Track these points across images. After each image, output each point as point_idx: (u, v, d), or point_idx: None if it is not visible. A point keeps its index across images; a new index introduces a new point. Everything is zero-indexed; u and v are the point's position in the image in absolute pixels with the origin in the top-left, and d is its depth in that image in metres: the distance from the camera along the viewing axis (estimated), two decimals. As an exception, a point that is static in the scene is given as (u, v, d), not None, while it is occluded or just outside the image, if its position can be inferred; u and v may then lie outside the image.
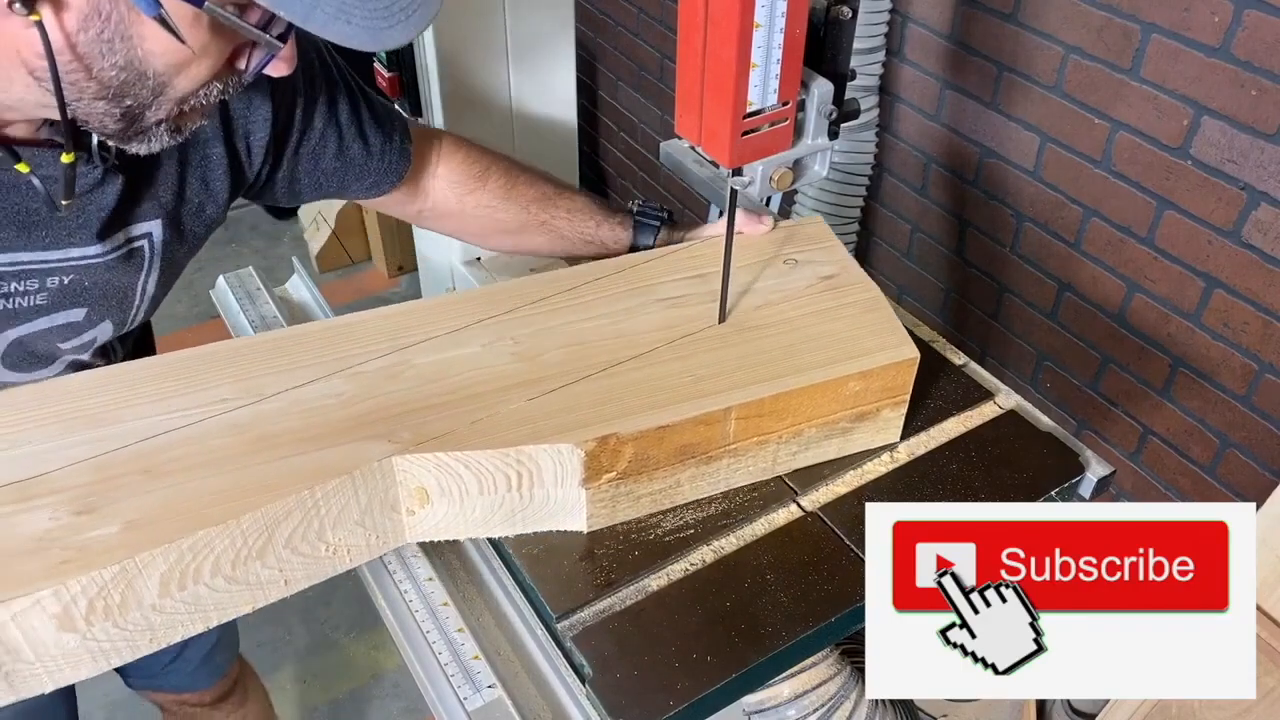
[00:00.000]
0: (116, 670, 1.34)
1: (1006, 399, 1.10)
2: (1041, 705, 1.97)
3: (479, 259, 1.47)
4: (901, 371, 0.96)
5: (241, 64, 0.77)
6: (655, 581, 0.90)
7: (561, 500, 0.88)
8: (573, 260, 1.17)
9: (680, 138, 0.95)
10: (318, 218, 3.00)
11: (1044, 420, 1.08)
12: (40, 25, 0.67)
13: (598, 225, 1.15)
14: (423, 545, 1.14)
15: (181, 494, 0.77)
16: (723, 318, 0.98)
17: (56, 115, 0.72)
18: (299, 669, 2.10)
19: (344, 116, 1.03)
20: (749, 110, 0.87)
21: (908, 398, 0.99)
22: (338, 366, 0.90)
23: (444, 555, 1.15)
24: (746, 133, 0.88)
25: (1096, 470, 1.03)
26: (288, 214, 3.17)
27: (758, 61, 0.83)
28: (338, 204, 2.90)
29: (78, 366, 0.95)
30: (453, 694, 0.91)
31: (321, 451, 0.82)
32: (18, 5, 0.65)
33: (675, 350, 0.95)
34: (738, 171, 0.94)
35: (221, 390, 0.87)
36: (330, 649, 2.16)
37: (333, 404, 0.87)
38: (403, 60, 1.34)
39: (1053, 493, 1.00)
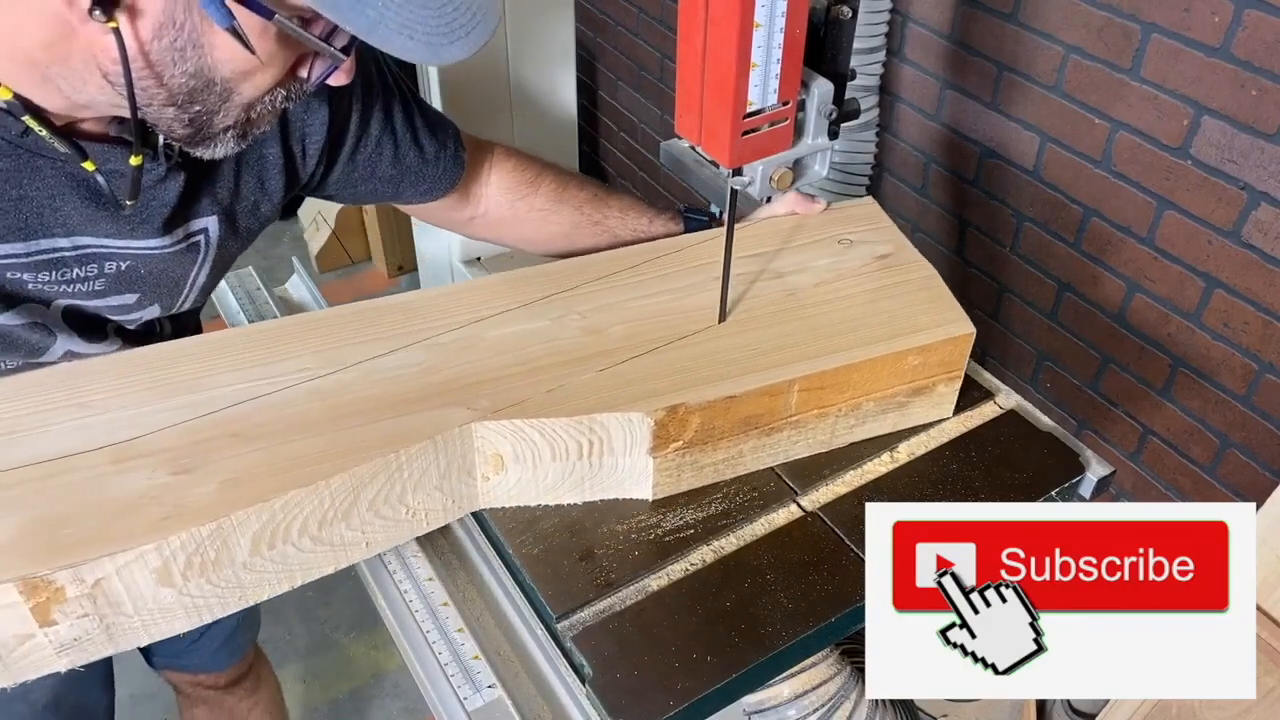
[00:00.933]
0: (140, 649, 1.37)
1: (1006, 399, 1.10)
2: (1041, 705, 1.97)
3: (479, 259, 1.47)
4: (958, 346, 0.99)
5: (304, 73, 0.80)
6: (655, 581, 0.90)
7: (629, 468, 0.92)
8: None
9: (680, 137, 0.95)
10: (317, 218, 3.00)
11: (1044, 420, 1.08)
12: (117, 32, 0.69)
13: (650, 222, 1.17)
14: (423, 545, 1.14)
15: (271, 457, 0.81)
16: (723, 317, 0.98)
17: (127, 114, 0.75)
18: (299, 669, 2.10)
19: (399, 123, 1.06)
20: (749, 110, 0.87)
21: (962, 373, 1.03)
22: (415, 338, 0.94)
23: (444, 555, 1.15)
24: (746, 132, 0.88)
25: (1096, 470, 1.03)
26: (288, 214, 3.17)
27: (758, 61, 0.83)
28: (337, 204, 2.90)
29: (124, 334, 0.98)
30: (453, 694, 0.91)
31: (404, 418, 0.85)
32: (97, 12, 0.68)
33: (737, 325, 0.99)
34: (738, 171, 0.94)
35: (303, 360, 0.91)
36: (330, 649, 2.16)
37: (412, 373, 0.90)
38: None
39: (1053, 493, 1.00)
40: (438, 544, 1.14)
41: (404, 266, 2.96)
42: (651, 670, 0.83)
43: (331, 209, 2.90)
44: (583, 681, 0.83)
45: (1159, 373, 1.67)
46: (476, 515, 0.94)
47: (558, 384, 0.90)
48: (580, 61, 2.48)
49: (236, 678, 1.52)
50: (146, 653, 1.40)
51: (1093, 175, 1.64)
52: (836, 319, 1.00)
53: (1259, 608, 1.30)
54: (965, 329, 0.99)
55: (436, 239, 1.52)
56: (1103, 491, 1.05)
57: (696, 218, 1.16)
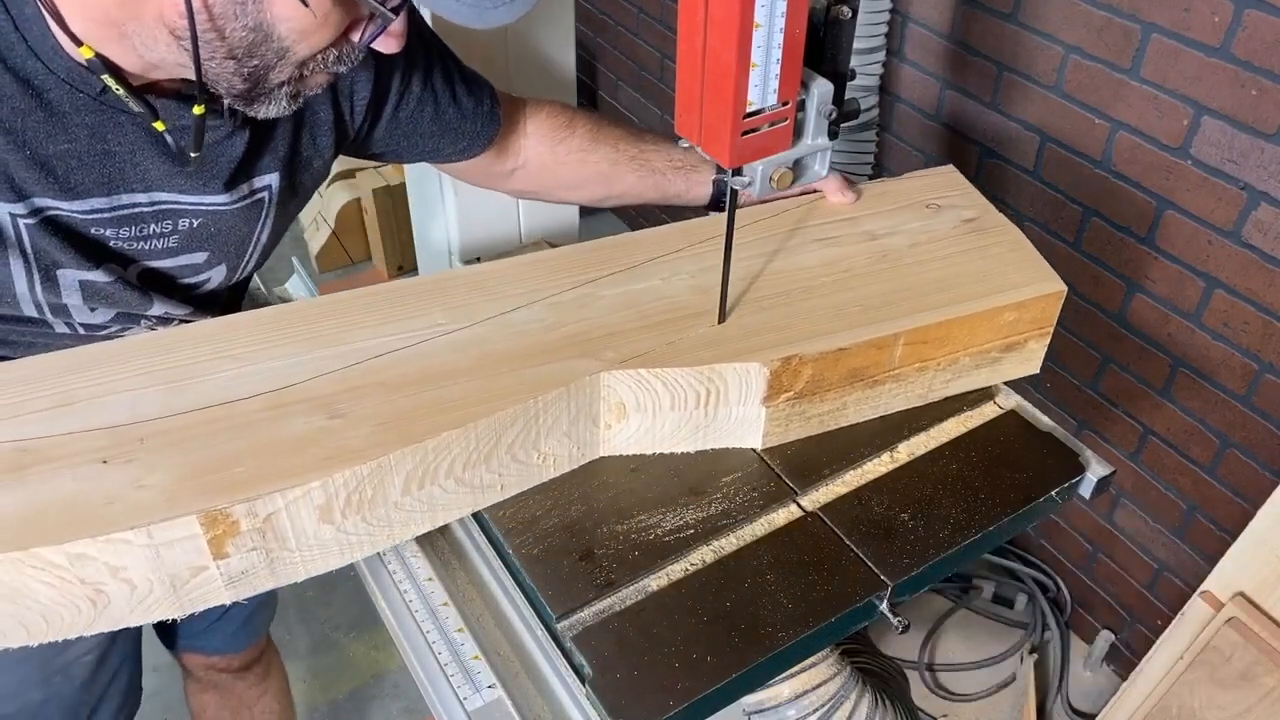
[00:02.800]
0: (160, 636, 1.39)
1: (1006, 399, 1.10)
2: (1041, 705, 1.97)
3: (479, 259, 1.47)
4: (1050, 304, 1.06)
5: (355, 36, 0.84)
6: (655, 581, 0.90)
7: (742, 417, 0.97)
8: (651, 203, 1.24)
9: (680, 137, 0.95)
10: (317, 218, 3.00)
11: (1044, 420, 1.08)
12: None
13: (684, 154, 1.19)
14: (422, 545, 1.14)
15: (419, 402, 0.86)
16: (722, 317, 0.98)
17: (192, 75, 0.80)
18: (299, 669, 2.10)
19: (439, 82, 1.10)
20: (749, 110, 0.86)
21: (1052, 329, 1.09)
22: (536, 296, 0.99)
23: (444, 555, 1.14)
24: (746, 132, 0.88)
25: (1096, 470, 1.03)
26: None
27: (757, 61, 0.83)
28: (337, 204, 2.90)
29: (192, 300, 1.04)
30: (453, 694, 0.91)
31: (537, 368, 0.90)
32: None
33: (841, 284, 1.03)
34: (738, 171, 0.94)
35: (435, 316, 0.96)
36: (330, 649, 2.16)
37: (538, 328, 0.95)
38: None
39: (1053, 493, 1.00)
40: (437, 544, 1.14)
41: (404, 266, 2.96)
42: (651, 670, 0.83)
43: (331, 209, 2.90)
44: (583, 681, 0.83)
45: (1159, 373, 1.67)
46: (476, 516, 0.94)
47: (676, 336, 0.95)
48: (580, 61, 2.48)
49: (249, 662, 1.54)
50: (166, 634, 1.44)
51: (1093, 175, 1.64)
52: (934, 277, 1.05)
53: (1259, 607, 1.30)
54: (1057, 287, 1.05)
55: (436, 240, 1.52)
56: (1102, 491, 1.05)
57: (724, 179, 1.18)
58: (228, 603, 0.80)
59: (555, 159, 1.21)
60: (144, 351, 0.90)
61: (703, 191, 1.21)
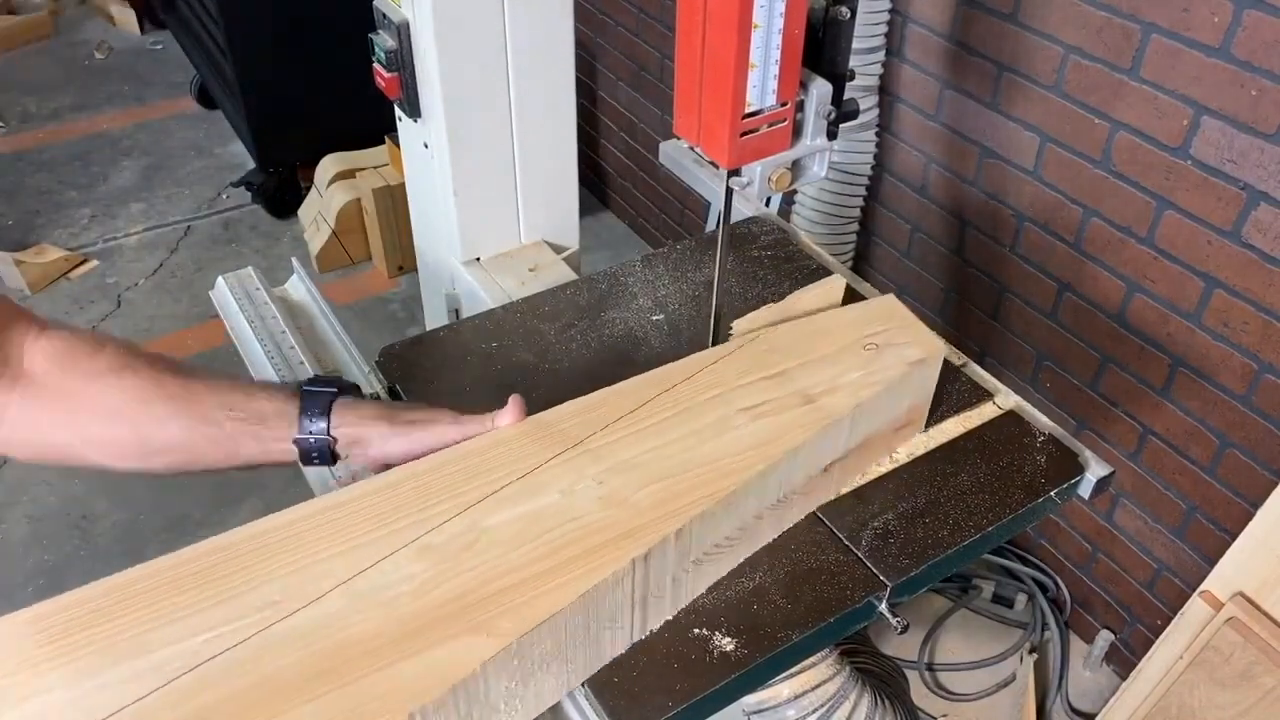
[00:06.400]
0: None
1: (1006, 399, 1.10)
2: (1041, 705, 1.97)
3: (478, 259, 1.47)
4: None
5: None
6: (654, 582, 0.89)
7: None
8: (219, 469, 0.90)
9: (679, 138, 0.95)
10: (318, 218, 3.00)
11: (1044, 420, 1.08)
12: None
13: (248, 395, 0.90)
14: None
15: None
16: (714, 340, 0.97)
17: None
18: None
19: None
20: (747, 111, 0.87)
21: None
22: (400, 540, 0.77)
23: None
24: (745, 133, 0.88)
25: (1096, 470, 1.03)
26: (288, 213, 3.17)
27: (756, 62, 0.83)
28: (337, 204, 2.90)
29: None
30: (452, 695, 0.90)
31: (411, 660, 0.68)
32: None
33: (771, 474, 0.87)
34: (736, 172, 0.94)
35: (267, 590, 0.72)
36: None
37: (407, 592, 0.73)
38: (403, 60, 1.34)
39: (1053, 493, 1.00)
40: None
41: (404, 266, 2.96)
42: (651, 670, 0.83)
43: (331, 209, 2.90)
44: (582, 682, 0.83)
45: (1159, 373, 1.67)
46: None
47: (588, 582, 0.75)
48: (580, 61, 2.48)
49: None
50: None
51: (1093, 175, 1.64)
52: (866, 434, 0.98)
53: (1259, 607, 1.30)
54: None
55: (436, 240, 1.52)
56: (1102, 491, 1.05)
57: (322, 390, 0.90)
58: None
59: (69, 386, 0.86)
60: None
61: (281, 449, 0.88)
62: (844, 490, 1.00)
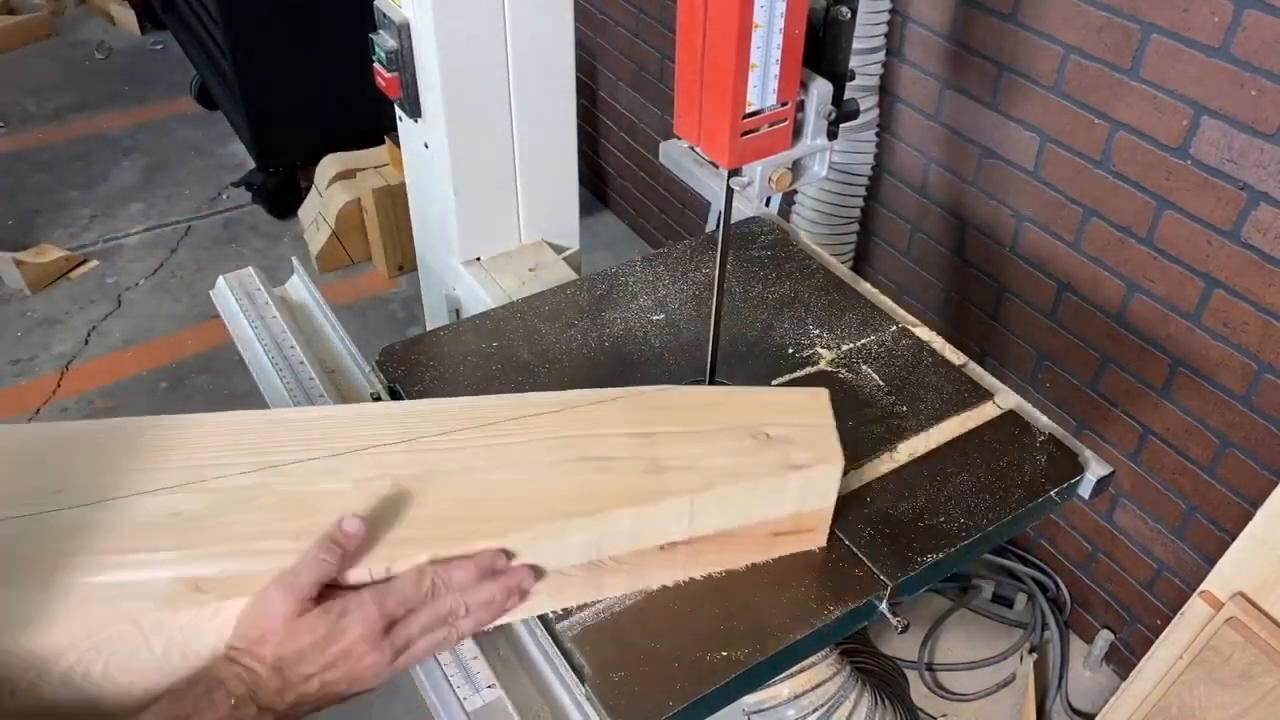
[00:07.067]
0: None
1: (1006, 399, 1.10)
2: (1041, 705, 1.97)
3: (478, 259, 1.47)
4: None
5: None
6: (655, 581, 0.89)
7: None
8: None
9: (679, 138, 0.95)
10: (318, 218, 3.00)
11: (1044, 420, 1.08)
12: None
13: None
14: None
15: None
16: (711, 377, 0.95)
17: None
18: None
19: None
20: (748, 110, 0.87)
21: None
22: (190, 477, 0.82)
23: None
24: (745, 133, 0.88)
25: (1096, 470, 1.03)
26: (288, 213, 3.17)
27: (757, 62, 0.83)
28: (337, 204, 2.90)
29: None
30: (452, 694, 0.90)
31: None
32: None
33: (575, 533, 0.82)
34: (736, 172, 0.94)
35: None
36: (330, 649, 2.16)
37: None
38: (403, 60, 1.34)
39: (1052, 493, 1.00)
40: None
41: (404, 266, 2.96)
42: (651, 670, 0.83)
43: (331, 209, 2.90)
44: (582, 681, 0.83)
45: (1158, 373, 1.67)
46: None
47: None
48: (580, 61, 2.47)
49: None
50: None
51: (1093, 175, 1.64)
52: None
53: (1259, 607, 1.30)
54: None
55: (436, 240, 1.52)
56: (1102, 491, 1.05)
57: None
58: None
59: None
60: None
61: None
62: (697, 576, 0.90)
